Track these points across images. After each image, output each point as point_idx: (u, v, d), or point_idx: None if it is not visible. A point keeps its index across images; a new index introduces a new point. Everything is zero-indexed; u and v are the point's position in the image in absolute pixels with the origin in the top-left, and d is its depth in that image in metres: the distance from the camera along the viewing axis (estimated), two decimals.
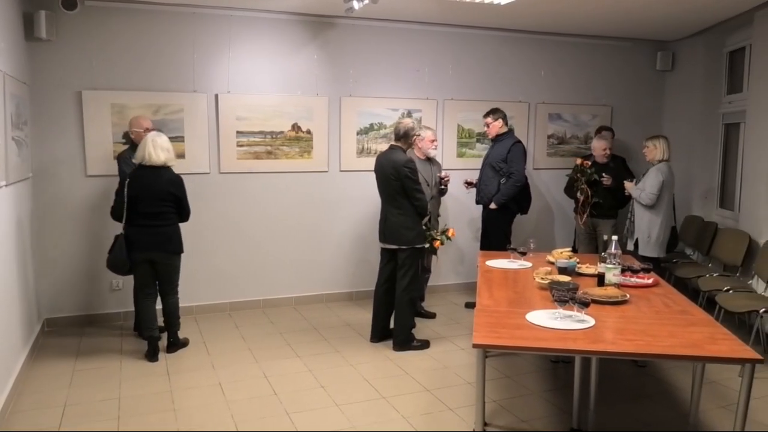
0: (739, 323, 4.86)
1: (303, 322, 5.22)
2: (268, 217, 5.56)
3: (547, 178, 6.44)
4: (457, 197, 5.89)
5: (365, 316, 5.26)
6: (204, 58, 5.20)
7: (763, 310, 4.22)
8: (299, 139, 5.56)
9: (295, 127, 5.53)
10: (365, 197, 5.68)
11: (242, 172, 5.40)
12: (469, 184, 5.48)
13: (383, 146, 5.63)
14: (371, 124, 5.77)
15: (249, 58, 5.34)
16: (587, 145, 6.42)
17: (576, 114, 6.51)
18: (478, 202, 5.52)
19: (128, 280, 5.03)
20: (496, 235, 5.36)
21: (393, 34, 5.74)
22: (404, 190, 4.41)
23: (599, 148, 5.46)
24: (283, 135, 5.50)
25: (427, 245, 4.75)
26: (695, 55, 6.28)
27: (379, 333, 4.72)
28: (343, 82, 5.66)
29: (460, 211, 6.03)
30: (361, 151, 5.76)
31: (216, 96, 5.25)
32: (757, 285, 4.85)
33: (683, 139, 6.37)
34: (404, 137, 4.52)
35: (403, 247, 4.49)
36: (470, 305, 5.46)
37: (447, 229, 5.08)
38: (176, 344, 4.45)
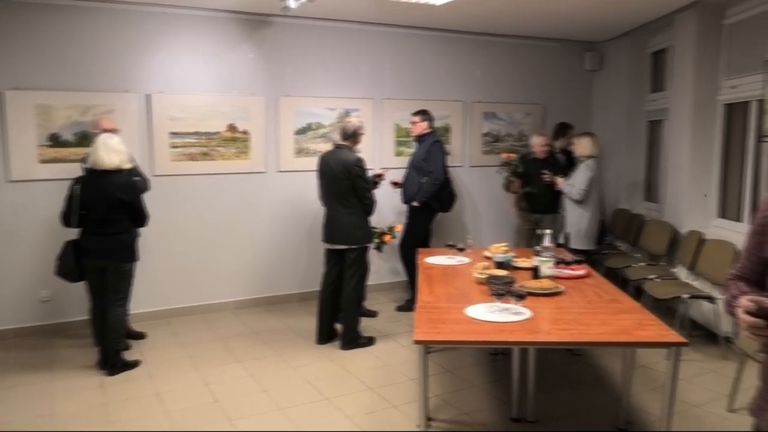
0: (665, 309, 5.09)
1: (243, 327, 5.13)
2: (204, 220, 5.43)
3: (483, 176, 6.55)
4: (390, 197, 5.86)
5: (307, 318, 5.23)
6: (135, 57, 5.04)
7: (687, 296, 4.46)
8: (236, 139, 5.46)
9: (232, 128, 5.44)
10: (305, 198, 5.64)
11: (177, 174, 5.26)
12: (395, 184, 5.54)
13: (321, 146, 5.61)
14: (309, 124, 5.74)
15: (182, 57, 5.20)
16: (521, 142, 6.59)
17: (510, 113, 6.66)
18: (404, 202, 5.58)
19: (57, 292, 4.84)
20: (415, 232, 5.47)
21: (330, 33, 5.72)
22: (354, 190, 4.44)
23: (538, 144, 5.63)
24: (219, 135, 5.40)
25: (376, 241, 4.80)
26: (621, 56, 6.55)
27: (326, 335, 4.70)
28: (280, 82, 5.60)
29: (390, 210, 6.05)
30: (300, 151, 5.72)
31: (148, 96, 5.10)
32: (681, 273, 5.11)
33: (612, 135, 6.63)
34: (352, 136, 4.54)
35: (353, 246, 4.51)
36: (401, 308, 5.53)
37: (394, 225, 5.15)
38: (116, 365, 4.08)
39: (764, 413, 1.48)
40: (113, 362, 4.10)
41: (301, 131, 5.71)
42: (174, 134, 5.20)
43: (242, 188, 5.55)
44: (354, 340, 4.58)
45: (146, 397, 3.75)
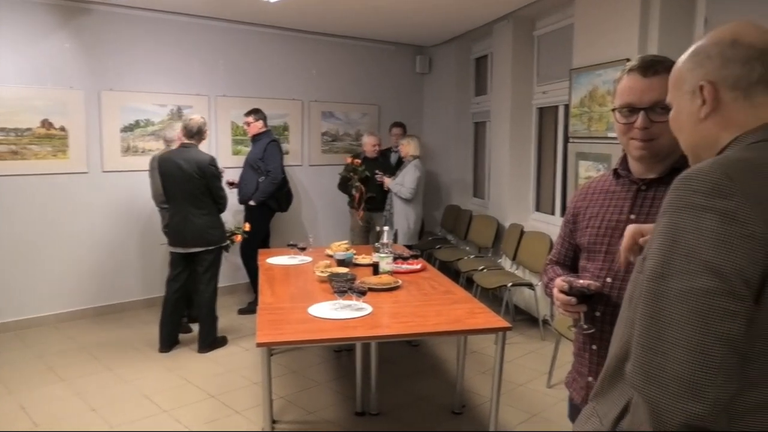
0: (493, 297, 5.52)
1: (67, 342, 4.69)
2: (16, 226, 4.87)
3: (322, 175, 6.60)
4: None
5: (141, 327, 4.92)
6: None
7: (511, 284, 4.87)
8: (51, 136, 4.96)
9: (46, 124, 4.93)
10: (134, 199, 5.29)
11: None
12: (231, 184, 5.41)
13: (153, 144, 5.31)
14: (137, 121, 5.38)
15: None
16: (358, 142, 6.75)
17: (347, 112, 6.78)
18: (240, 202, 5.48)
19: None
20: (255, 233, 5.40)
21: (158, 25, 5.40)
22: (209, 190, 4.33)
23: (369, 144, 5.82)
24: (32, 132, 4.87)
25: (228, 242, 4.68)
26: (449, 60, 6.96)
27: (170, 342, 4.50)
28: (103, 75, 5.18)
29: (227, 211, 5.88)
30: (127, 150, 5.34)
31: None
32: (505, 263, 5.57)
33: (441, 136, 7.03)
34: (198, 134, 4.42)
35: (210, 248, 4.38)
36: (243, 311, 5.42)
37: (243, 224, 5.05)
38: None
39: (576, 384, 1.67)
40: None
41: (129, 128, 5.34)
42: None
43: (61, 190, 5.06)
44: (214, 342, 4.52)
45: None
